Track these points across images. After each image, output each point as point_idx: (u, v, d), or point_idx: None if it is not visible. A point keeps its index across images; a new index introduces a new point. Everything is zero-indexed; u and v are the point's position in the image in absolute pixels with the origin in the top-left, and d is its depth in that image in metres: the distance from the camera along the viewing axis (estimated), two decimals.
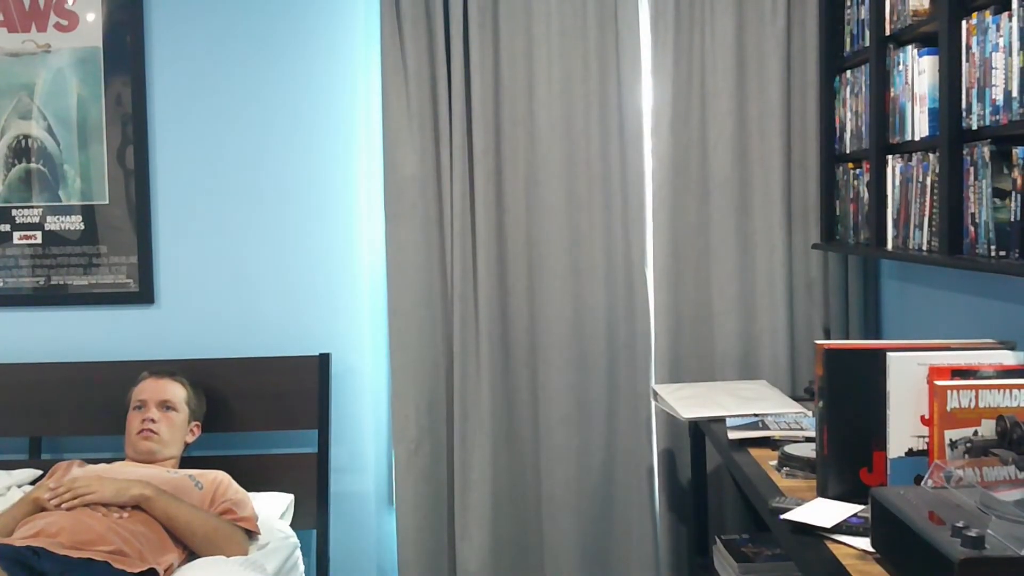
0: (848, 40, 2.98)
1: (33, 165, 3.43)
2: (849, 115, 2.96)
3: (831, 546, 1.86)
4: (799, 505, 2.03)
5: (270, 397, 3.35)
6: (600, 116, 3.31)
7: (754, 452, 2.51)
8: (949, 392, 1.89)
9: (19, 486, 3.17)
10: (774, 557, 2.79)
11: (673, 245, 3.31)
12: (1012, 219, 2.03)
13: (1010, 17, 2.01)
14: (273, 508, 3.14)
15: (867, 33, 2.76)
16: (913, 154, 2.52)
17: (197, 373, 3.35)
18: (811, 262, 3.31)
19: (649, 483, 3.37)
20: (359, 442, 3.48)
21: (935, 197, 2.37)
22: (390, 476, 3.47)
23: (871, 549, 1.78)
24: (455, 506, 3.36)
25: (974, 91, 2.16)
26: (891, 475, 1.99)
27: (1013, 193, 2.03)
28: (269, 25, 3.42)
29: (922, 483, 1.77)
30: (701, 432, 2.98)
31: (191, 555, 2.75)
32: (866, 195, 2.80)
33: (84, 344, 3.44)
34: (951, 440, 1.89)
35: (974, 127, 2.17)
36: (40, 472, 3.26)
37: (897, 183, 2.61)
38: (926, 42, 2.45)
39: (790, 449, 2.37)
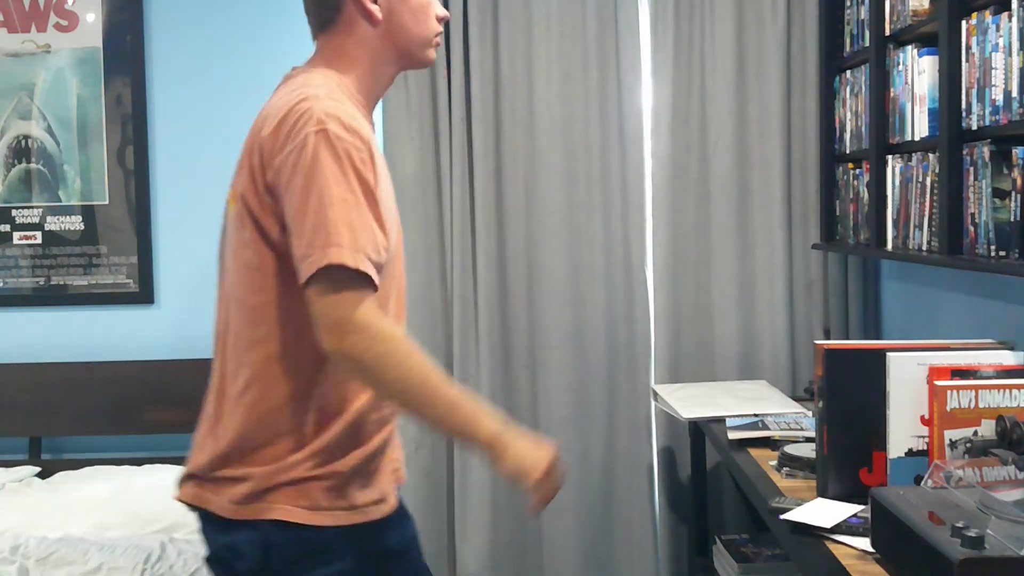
0: (848, 40, 2.98)
1: (33, 165, 3.43)
2: (849, 115, 2.96)
3: (831, 546, 1.86)
4: (799, 505, 2.03)
5: None
6: (600, 116, 3.31)
7: (754, 452, 2.51)
8: (949, 392, 1.89)
9: (18, 480, 3.18)
10: (774, 557, 2.79)
11: (673, 245, 3.31)
12: (1012, 219, 2.03)
13: (1010, 17, 2.01)
14: None
15: (867, 33, 2.76)
16: (913, 154, 2.52)
17: (197, 373, 3.34)
18: (811, 262, 3.31)
19: (649, 483, 3.37)
20: None
21: (935, 197, 2.37)
22: None
23: (871, 549, 1.78)
24: (455, 507, 3.36)
25: (974, 91, 2.16)
26: (891, 475, 1.99)
27: (1013, 193, 2.03)
28: (269, 25, 3.42)
29: (922, 483, 1.77)
30: (701, 432, 2.98)
31: None
32: (866, 195, 2.80)
33: (84, 344, 3.44)
34: (951, 440, 1.89)
35: (974, 127, 2.17)
36: (39, 470, 3.27)
37: (897, 183, 2.61)
38: (926, 42, 2.45)
39: (790, 449, 2.37)
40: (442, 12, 1.80)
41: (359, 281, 1.53)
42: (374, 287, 1.55)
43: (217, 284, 1.75)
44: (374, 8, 1.71)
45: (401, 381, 1.56)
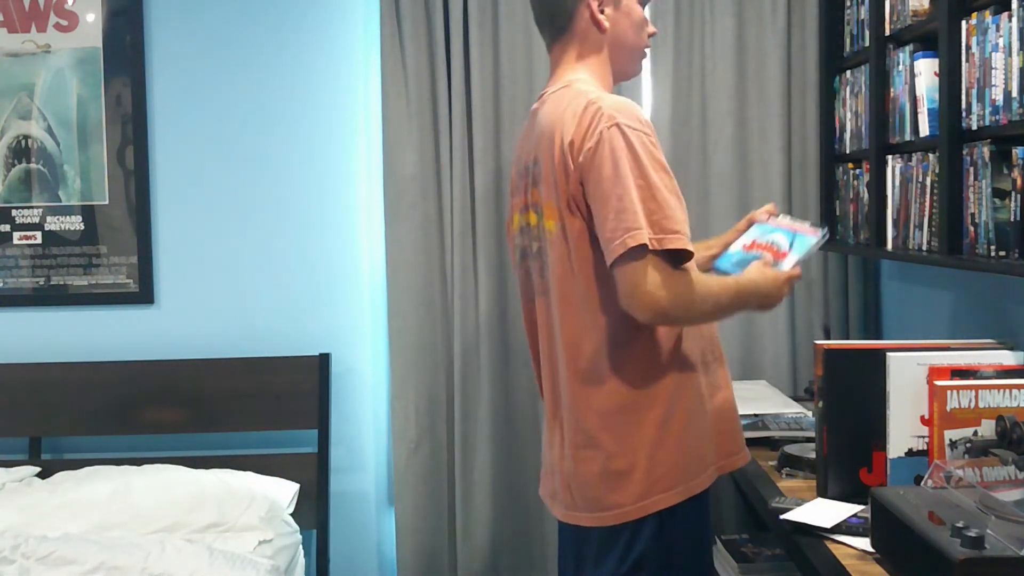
0: (848, 40, 2.98)
1: (33, 165, 3.43)
2: (849, 115, 2.96)
3: (831, 546, 1.86)
4: (799, 505, 2.04)
5: (270, 397, 3.35)
6: None
7: (754, 452, 2.50)
8: (949, 392, 1.89)
9: (18, 480, 3.18)
10: (774, 557, 2.79)
11: None
12: (1012, 219, 2.03)
13: (1010, 17, 2.01)
14: (280, 495, 3.14)
15: (867, 33, 2.76)
16: (913, 154, 2.52)
17: (197, 373, 3.35)
18: (811, 262, 3.31)
19: None
20: (359, 442, 3.48)
21: (935, 197, 2.37)
22: (390, 476, 3.47)
23: (871, 549, 1.78)
24: (455, 506, 3.36)
25: (974, 91, 2.16)
26: (891, 475, 1.99)
27: (1013, 193, 2.03)
28: (269, 25, 3.42)
29: (922, 483, 1.78)
30: None
31: None
32: (866, 195, 2.80)
33: (84, 344, 3.44)
34: (951, 440, 1.89)
35: (974, 127, 2.17)
36: (39, 470, 3.27)
37: (897, 183, 2.61)
38: (926, 42, 2.45)
39: (790, 449, 2.37)
40: (651, 28, 2.10)
41: (658, 255, 1.85)
42: (682, 257, 1.91)
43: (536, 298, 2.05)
44: (602, 17, 2.00)
45: (704, 316, 1.98)
